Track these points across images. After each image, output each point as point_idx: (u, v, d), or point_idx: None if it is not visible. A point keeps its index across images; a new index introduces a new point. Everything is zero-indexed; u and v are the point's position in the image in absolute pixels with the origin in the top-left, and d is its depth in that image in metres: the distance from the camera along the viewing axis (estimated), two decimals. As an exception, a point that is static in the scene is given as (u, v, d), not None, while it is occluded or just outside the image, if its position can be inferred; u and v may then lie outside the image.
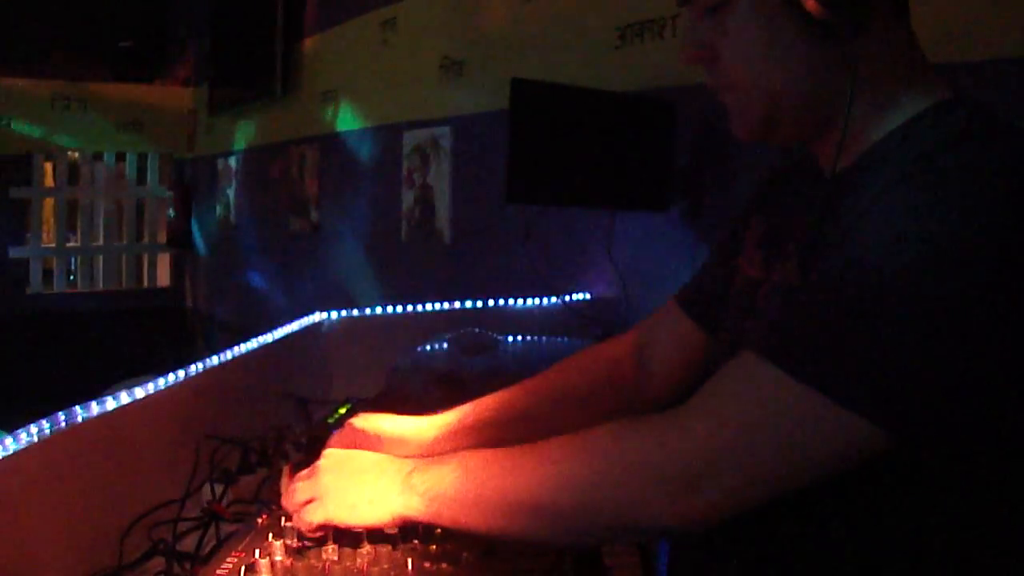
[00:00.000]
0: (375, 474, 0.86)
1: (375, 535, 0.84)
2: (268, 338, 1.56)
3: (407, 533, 0.85)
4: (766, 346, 0.68)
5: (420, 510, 0.80)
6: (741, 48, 0.77)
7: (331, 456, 0.92)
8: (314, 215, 3.92)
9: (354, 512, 0.83)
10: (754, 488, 0.67)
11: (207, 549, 0.92)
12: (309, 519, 0.84)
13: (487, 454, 0.80)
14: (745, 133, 0.82)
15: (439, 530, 0.85)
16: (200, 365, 1.28)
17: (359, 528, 0.84)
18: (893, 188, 0.68)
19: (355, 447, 0.97)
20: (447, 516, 0.79)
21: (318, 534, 0.85)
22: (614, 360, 1.07)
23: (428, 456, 0.90)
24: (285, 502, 0.88)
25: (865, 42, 0.73)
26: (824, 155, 0.81)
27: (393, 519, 0.82)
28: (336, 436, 1.01)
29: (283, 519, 0.89)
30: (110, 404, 1.03)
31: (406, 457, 0.90)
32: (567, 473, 0.73)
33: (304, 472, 0.90)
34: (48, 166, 5.29)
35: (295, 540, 0.85)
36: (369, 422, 1.01)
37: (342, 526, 0.84)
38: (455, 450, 0.93)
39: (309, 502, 0.86)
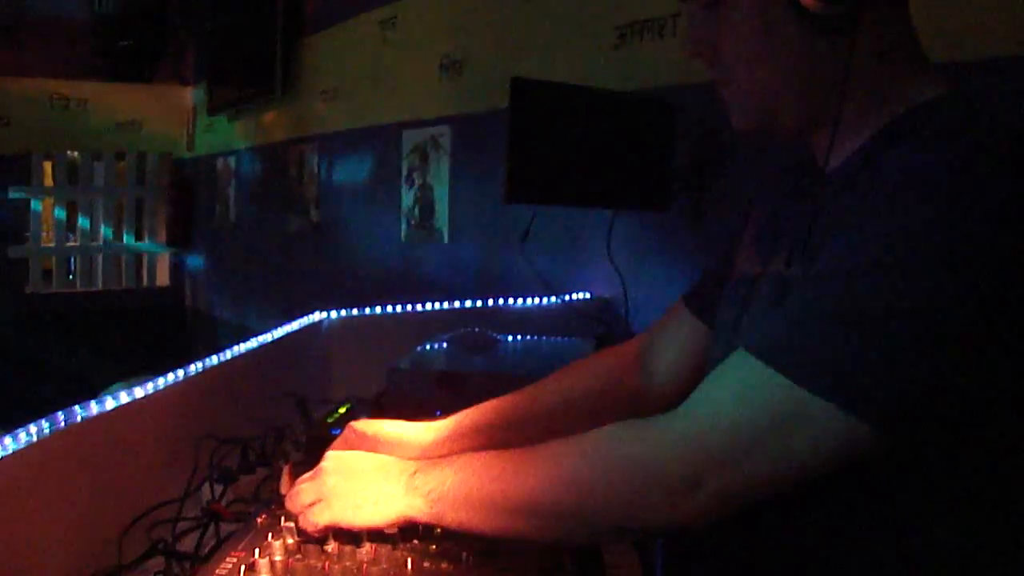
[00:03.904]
0: (379, 475, 0.86)
1: (375, 534, 0.84)
2: (268, 338, 1.56)
3: (407, 533, 0.85)
4: (757, 344, 0.68)
5: (423, 511, 0.81)
6: (738, 42, 0.78)
7: (334, 458, 0.92)
8: (314, 215, 3.91)
9: (359, 513, 0.84)
10: (747, 487, 0.68)
11: (207, 549, 0.92)
12: (314, 520, 0.84)
13: (489, 455, 0.80)
14: (743, 127, 0.82)
15: (439, 530, 0.85)
16: (200, 365, 1.28)
17: (364, 529, 0.84)
18: (882, 188, 0.68)
19: (356, 450, 0.97)
20: (450, 517, 0.79)
21: (323, 535, 0.85)
22: (618, 364, 1.08)
23: (431, 458, 0.91)
24: (289, 504, 0.88)
25: (861, 36, 0.73)
26: (819, 150, 0.82)
27: (397, 519, 0.83)
28: (337, 440, 1.01)
29: (283, 518, 0.89)
30: (110, 404, 1.03)
31: (409, 459, 0.90)
32: (567, 474, 0.74)
33: (308, 474, 0.90)
34: (48, 166, 5.29)
35: (296, 538, 0.85)
36: (370, 425, 1.01)
37: (347, 527, 0.84)
38: (458, 452, 0.93)
39: (313, 504, 0.86)
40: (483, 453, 0.82)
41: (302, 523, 0.85)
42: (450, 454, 0.93)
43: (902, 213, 0.65)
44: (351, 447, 0.98)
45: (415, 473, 0.83)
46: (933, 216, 0.63)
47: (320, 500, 0.85)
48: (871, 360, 0.63)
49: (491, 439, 0.98)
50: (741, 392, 0.68)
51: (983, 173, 0.64)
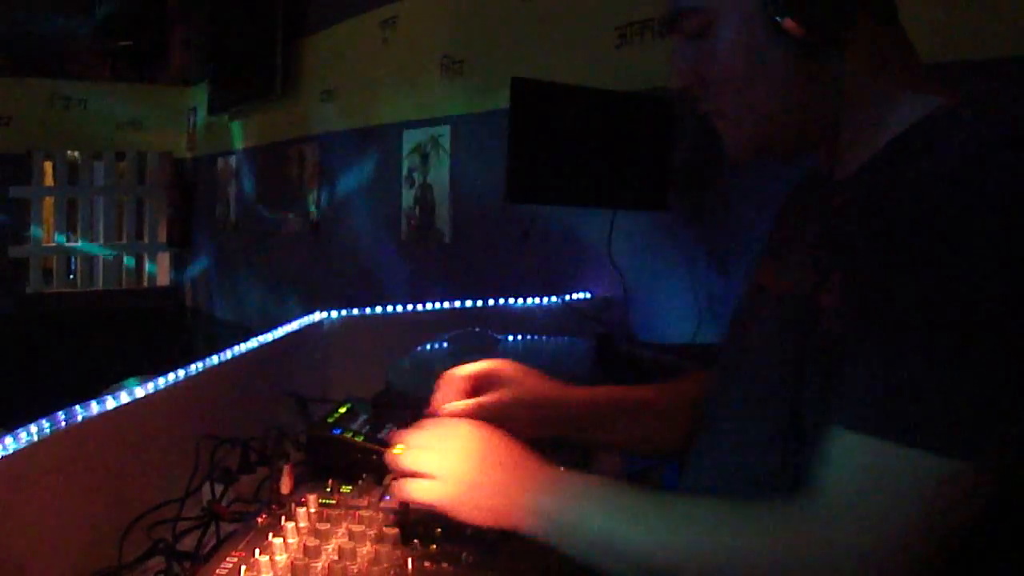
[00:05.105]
0: (512, 478, 0.80)
1: (379, 535, 0.84)
2: (268, 338, 1.56)
3: (407, 533, 0.85)
4: (857, 420, 0.64)
5: (542, 532, 0.77)
6: (725, 73, 0.77)
7: (470, 437, 0.83)
8: (314, 215, 3.91)
9: (474, 513, 0.79)
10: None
11: (207, 549, 0.92)
12: (419, 497, 0.80)
13: (622, 494, 0.77)
14: (738, 156, 0.82)
15: (439, 530, 0.85)
16: (200, 365, 1.28)
17: (468, 522, 0.80)
18: (914, 225, 0.65)
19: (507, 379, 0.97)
20: (567, 546, 0.76)
21: (413, 511, 0.82)
22: None
23: (564, 422, 0.95)
24: (394, 461, 0.82)
25: (851, 55, 0.73)
26: (826, 164, 0.81)
27: (508, 529, 0.79)
28: (485, 368, 0.99)
29: (283, 518, 0.89)
30: (110, 404, 1.03)
31: (536, 418, 0.93)
32: (703, 545, 0.69)
33: (423, 434, 0.84)
34: (48, 165, 5.29)
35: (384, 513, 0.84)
36: (528, 375, 0.99)
37: (450, 515, 0.79)
38: (588, 424, 0.96)
39: (426, 476, 0.80)
40: (616, 487, 0.79)
41: (399, 490, 0.80)
42: (585, 423, 0.97)
43: (939, 249, 0.63)
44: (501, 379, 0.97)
45: (542, 491, 0.78)
46: (966, 251, 0.62)
47: (436, 477, 0.80)
48: (978, 406, 0.60)
49: (625, 422, 0.99)
50: (875, 480, 0.63)
51: (1009, 195, 0.63)
